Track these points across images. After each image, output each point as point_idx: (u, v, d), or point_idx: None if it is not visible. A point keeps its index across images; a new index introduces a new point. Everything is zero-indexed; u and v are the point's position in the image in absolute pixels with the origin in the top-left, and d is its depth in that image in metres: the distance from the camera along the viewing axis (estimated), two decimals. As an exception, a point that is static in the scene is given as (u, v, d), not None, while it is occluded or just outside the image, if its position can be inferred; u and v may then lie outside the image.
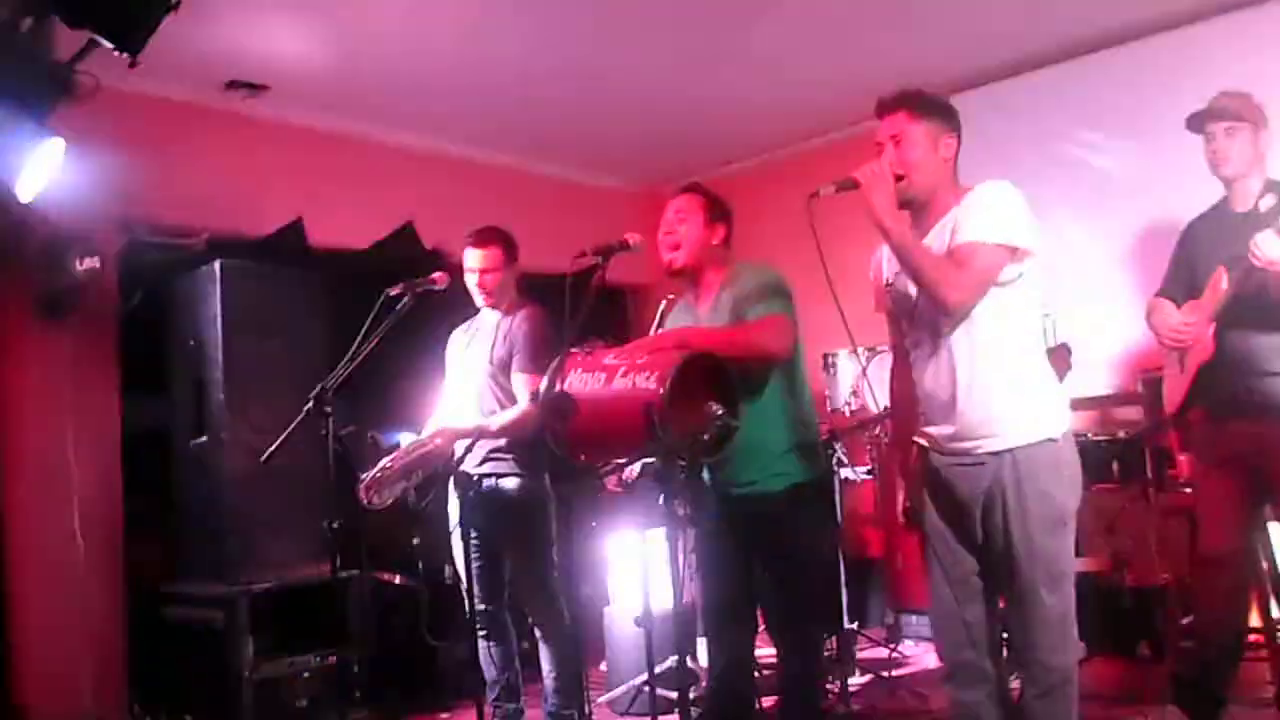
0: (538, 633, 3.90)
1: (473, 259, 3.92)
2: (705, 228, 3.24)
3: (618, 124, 5.92)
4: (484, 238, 3.93)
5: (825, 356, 5.22)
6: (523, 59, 4.98)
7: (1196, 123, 3.43)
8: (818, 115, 6.01)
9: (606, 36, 4.82)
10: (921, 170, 2.70)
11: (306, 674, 4.42)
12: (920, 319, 2.76)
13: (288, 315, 4.68)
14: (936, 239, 2.67)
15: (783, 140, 6.48)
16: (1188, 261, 3.51)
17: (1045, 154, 5.29)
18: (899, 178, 2.66)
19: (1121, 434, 4.77)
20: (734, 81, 5.48)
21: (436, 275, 3.67)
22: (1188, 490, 4.00)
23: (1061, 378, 3.38)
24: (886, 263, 2.88)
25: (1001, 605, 2.76)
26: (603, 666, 4.88)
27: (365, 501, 3.61)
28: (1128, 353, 4.94)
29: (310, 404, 3.29)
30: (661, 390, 2.57)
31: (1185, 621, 3.84)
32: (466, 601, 3.70)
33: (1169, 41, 5.01)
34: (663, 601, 3.28)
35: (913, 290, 2.73)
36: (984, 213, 2.59)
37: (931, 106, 2.76)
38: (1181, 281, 3.51)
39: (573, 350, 2.83)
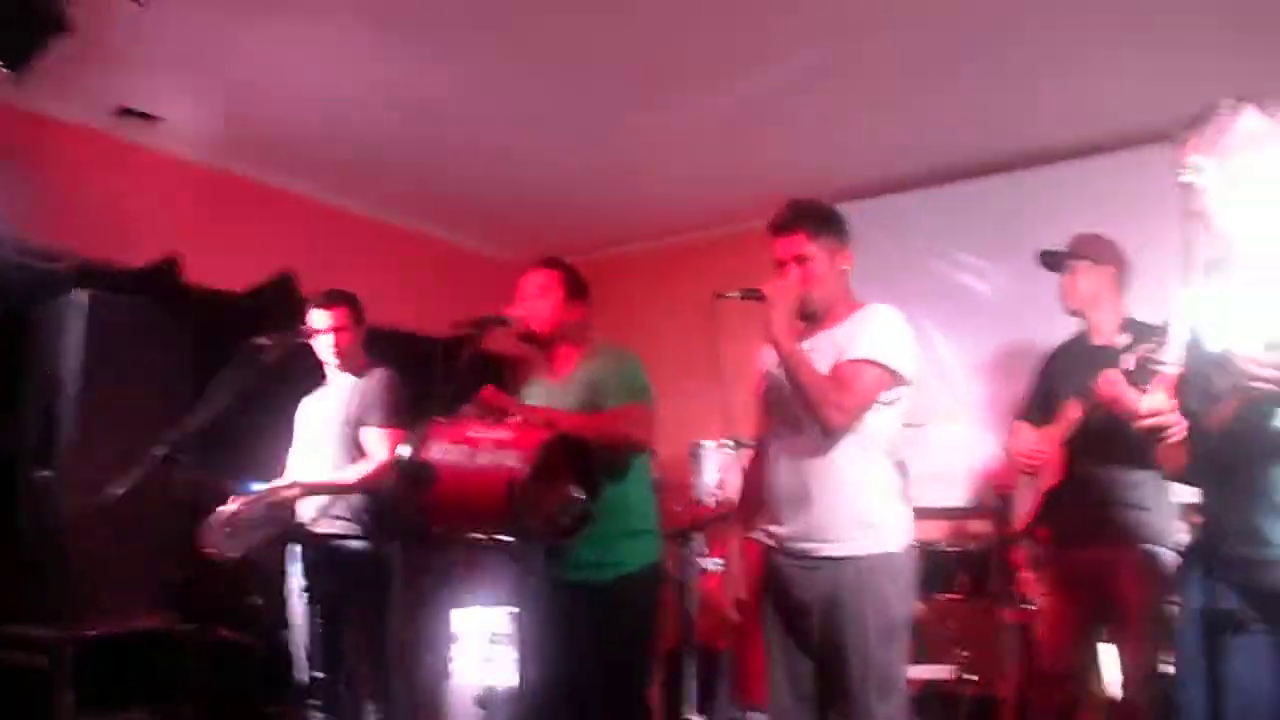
0: (369, 705, 3.73)
1: (320, 320, 3.88)
2: (563, 305, 3.28)
3: (505, 192, 5.90)
4: (331, 299, 3.91)
5: (691, 446, 5.25)
6: (415, 122, 4.97)
7: (1051, 260, 3.61)
8: (702, 209, 6.10)
9: (499, 105, 4.82)
10: (823, 286, 2.80)
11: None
12: (786, 413, 2.80)
13: (153, 353, 4.50)
14: (824, 346, 2.75)
15: (663, 230, 6.55)
16: (1046, 388, 3.65)
17: (920, 270, 5.47)
18: (804, 294, 2.75)
19: (972, 546, 4.89)
20: (621, 166, 5.54)
21: (307, 329, 3.61)
22: (1030, 607, 4.12)
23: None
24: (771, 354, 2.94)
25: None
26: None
27: (209, 550, 3.48)
28: (984, 468, 5.08)
29: (163, 449, 3.19)
30: (525, 468, 2.57)
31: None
32: (299, 669, 3.58)
33: (1048, 175, 5.22)
34: (506, 681, 3.24)
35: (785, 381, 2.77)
36: (871, 337, 2.69)
37: (828, 223, 2.86)
38: (1039, 407, 3.65)
39: (438, 418, 2.80)
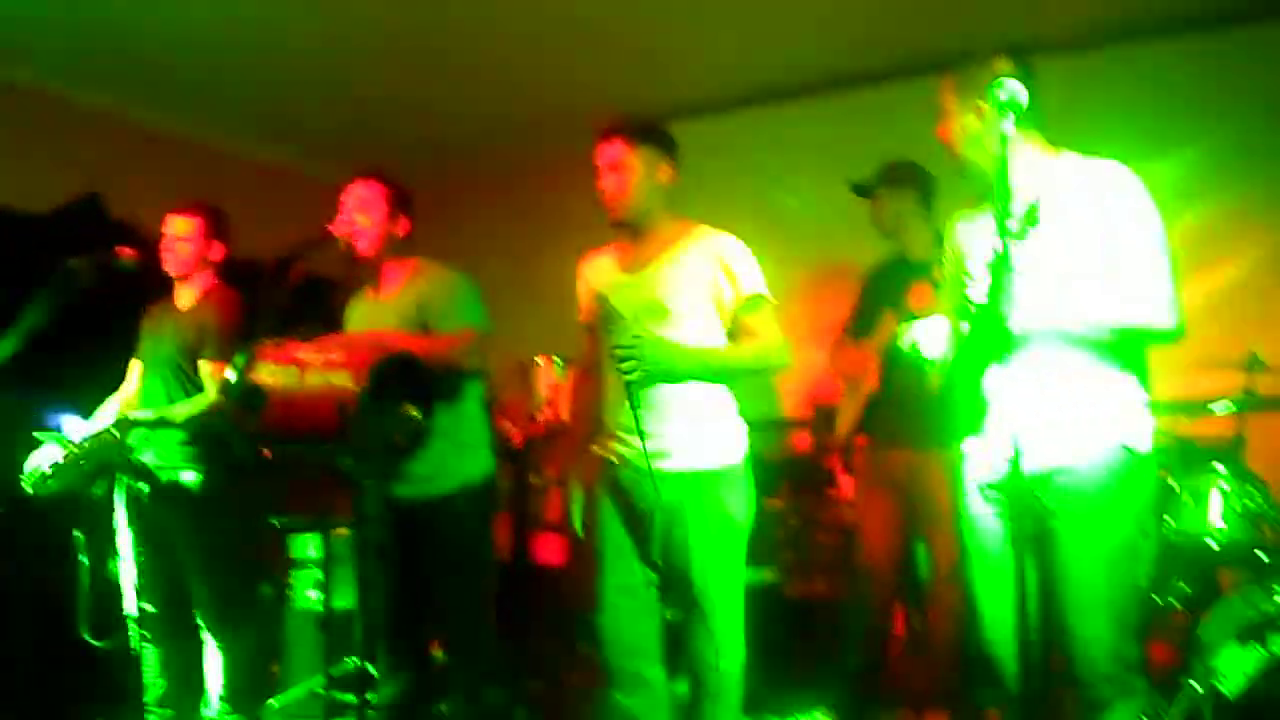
0: (207, 635, 3.64)
1: (171, 226, 3.71)
2: (387, 219, 3.21)
3: (329, 105, 5.72)
4: (186, 206, 3.73)
5: (523, 364, 5.25)
6: (239, 26, 4.73)
7: (859, 189, 3.76)
8: (529, 125, 6.01)
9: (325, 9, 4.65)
10: (638, 195, 2.84)
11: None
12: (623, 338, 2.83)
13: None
14: (670, 274, 2.81)
15: (492, 145, 6.40)
16: (866, 305, 3.83)
17: (742, 190, 5.57)
18: (613, 204, 2.84)
19: (793, 455, 5.09)
20: (451, 78, 5.41)
21: (124, 250, 3.44)
22: (848, 509, 4.33)
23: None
24: (595, 273, 2.99)
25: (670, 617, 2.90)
26: (274, 668, 4.69)
27: (32, 490, 3.33)
28: (802, 383, 5.26)
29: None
30: (357, 388, 2.54)
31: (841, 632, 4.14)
32: (129, 603, 3.47)
33: (872, 98, 5.36)
34: (346, 603, 3.23)
35: (623, 308, 2.83)
36: (753, 272, 2.82)
37: (649, 134, 2.90)
38: (860, 323, 3.82)
39: (265, 341, 2.73)
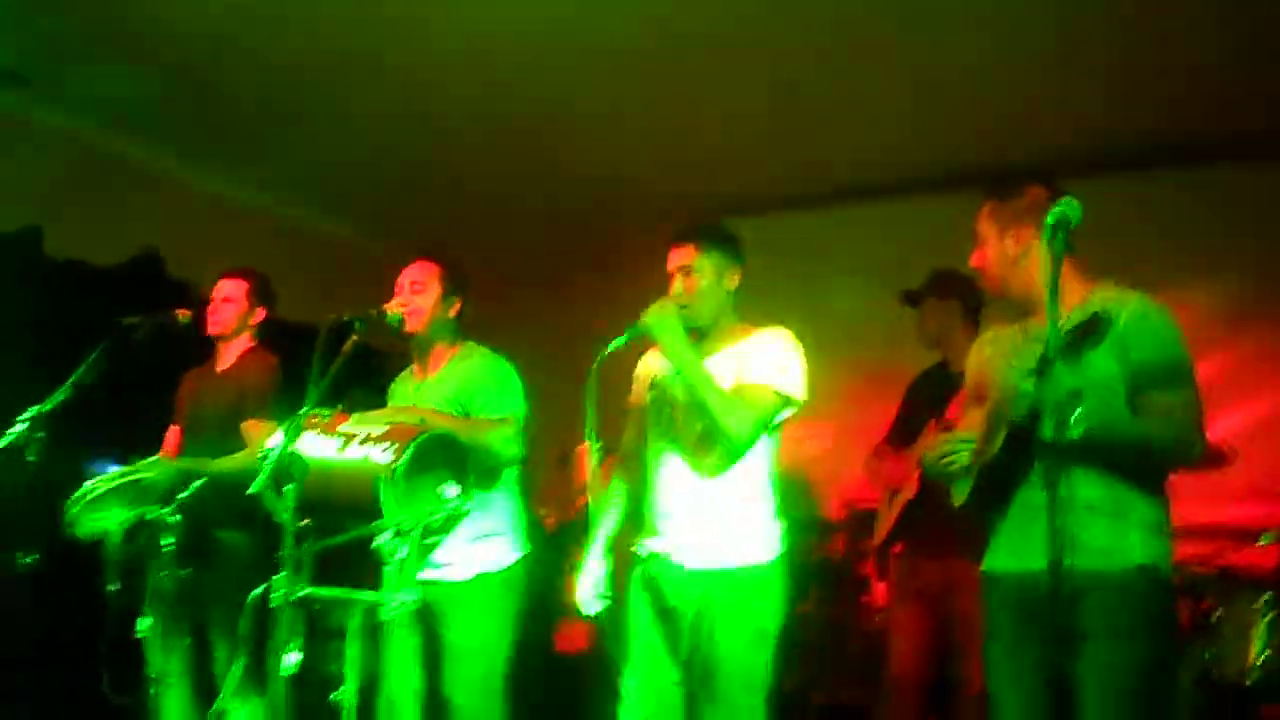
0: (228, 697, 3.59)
1: (218, 288, 3.79)
2: (440, 301, 3.24)
3: (385, 179, 5.76)
4: (234, 270, 3.81)
5: (564, 452, 5.26)
6: (312, 97, 4.81)
7: (907, 298, 3.76)
8: (598, 211, 6.02)
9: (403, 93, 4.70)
10: (707, 301, 2.89)
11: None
12: (670, 425, 2.89)
13: (9, 323, 4.32)
14: (719, 367, 2.82)
15: (555, 230, 6.41)
16: (908, 413, 3.82)
17: (787, 291, 5.56)
18: (684, 307, 2.83)
19: (828, 558, 5.04)
20: (517, 169, 5.43)
21: (179, 310, 3.51)
22: (880, 617, 4.27)
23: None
24: (654, 363, 3.03)
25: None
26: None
27: (72, 529, 3.33)
28: (839, 484, 5.21)
29: (20, 427, 3.06)
30: (396, 462, 2.55)
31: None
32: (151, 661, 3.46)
33: (922, 205, 5.37)
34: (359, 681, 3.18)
35: (676, 399, 2.86)
36: (772, 360, 2.80)
37: (720, 240, 2.96)
38: (901, 430, 3.81)
39: (312, 411, 2.75)
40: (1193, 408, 2.29)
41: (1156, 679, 2.29)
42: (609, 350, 2.80)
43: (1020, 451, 2.20)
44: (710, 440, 2.78)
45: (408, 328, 3.19)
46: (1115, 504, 2.28)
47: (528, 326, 6.00)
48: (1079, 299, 2.32)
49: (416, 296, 3.21)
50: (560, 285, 6.50)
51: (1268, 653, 3.39)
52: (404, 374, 3.42)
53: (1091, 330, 2.04)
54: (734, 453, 2.76)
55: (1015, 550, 2.34)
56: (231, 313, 3.76)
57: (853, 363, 5.30)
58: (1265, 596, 3.43)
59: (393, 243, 6.21)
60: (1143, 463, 2.30)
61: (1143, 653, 2.26)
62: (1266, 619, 3.41)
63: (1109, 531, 2.26)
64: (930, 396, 3.65)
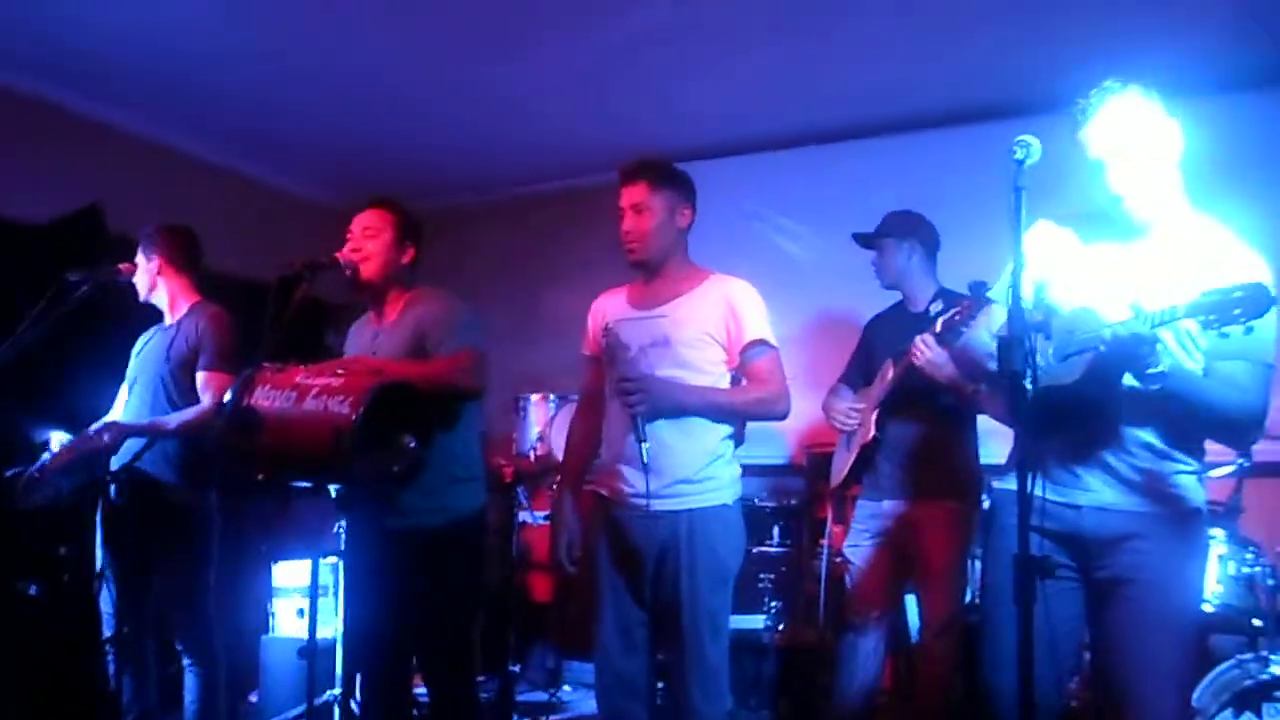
0: (184, 660, 3.59)
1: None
2: (393, 246, 3.20)
3: (340, 134, 5.73)
4: (164, 231, 3.77)
5: (516, 399, 5.24)
6: (247, 54, 4.75)
7: (862, 240, 3.78)
8: (532, 164, 6.09)
9: (341, 44, 4.66)
10: (658, 237, 2.93)
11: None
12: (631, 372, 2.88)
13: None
14: (680, 315, 2.90)
15: (492, 182, 6.48)
16: (865, 354, 3.84)
17: (744, 233, 5.60)
18: (632, 246, 2.92)
19: (787, 502, 5.09)
20: (470, 114, 5.43)
21: (124, 265, 3.44)
22: (839, 559, 4.31)
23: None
24: (609, 306, 3.06)
25: (660, 657, 2.90)
26: (253, 698, 4.64)
27: (17, 502, 3.29)
28: (798, 429, 5.26)
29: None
30: (354, 415, 2.53)
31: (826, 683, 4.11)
32: (105, 621, 3.44)
33: (873, 146, 5.44)
34: (328, 633, 3.19)
35: (631, 343, 2.89)
36: (760, 318, 2.91)
37: (671, 179, 2.98)
38: (858, 372, 3.83)
39: (264, 364, 2.72)
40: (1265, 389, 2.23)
41: (1190, 628, 2.34)
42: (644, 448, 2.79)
43: (1098, 382, 2.17)
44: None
45: (362, 274, 3.15)
46: (1170, 449, 2.29)
47: (478, 277, 6.01)
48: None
49: (369, 242, 3.16)
50: (509, 235, 6.49)
51: (1219, 587, 3.47)
52: (359, 323, 3.38)
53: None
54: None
55: (1061, 480, 2.33)
56: (172, 276, 3.73)
57: (806, 306, 5.34)
58: (1215, 528, 3.50)
59: (339, 192, 6.23)
60: (1205, 420, 2.26)
61: (1183, 599, 2.30)
62: (1216, 550, 3.49)
63: (1163, 475, 2.29)
64: (888, 337, 3.67)
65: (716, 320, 2.89)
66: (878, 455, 3.63)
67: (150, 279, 3.71)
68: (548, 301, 3.08)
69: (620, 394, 2.82)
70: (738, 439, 2.98)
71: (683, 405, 2.82)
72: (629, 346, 2.91)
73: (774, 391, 2.88)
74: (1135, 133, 2.29)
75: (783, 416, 2.93)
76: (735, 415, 2.92)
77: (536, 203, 6.44)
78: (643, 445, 2.75)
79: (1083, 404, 2.23)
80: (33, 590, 4.31)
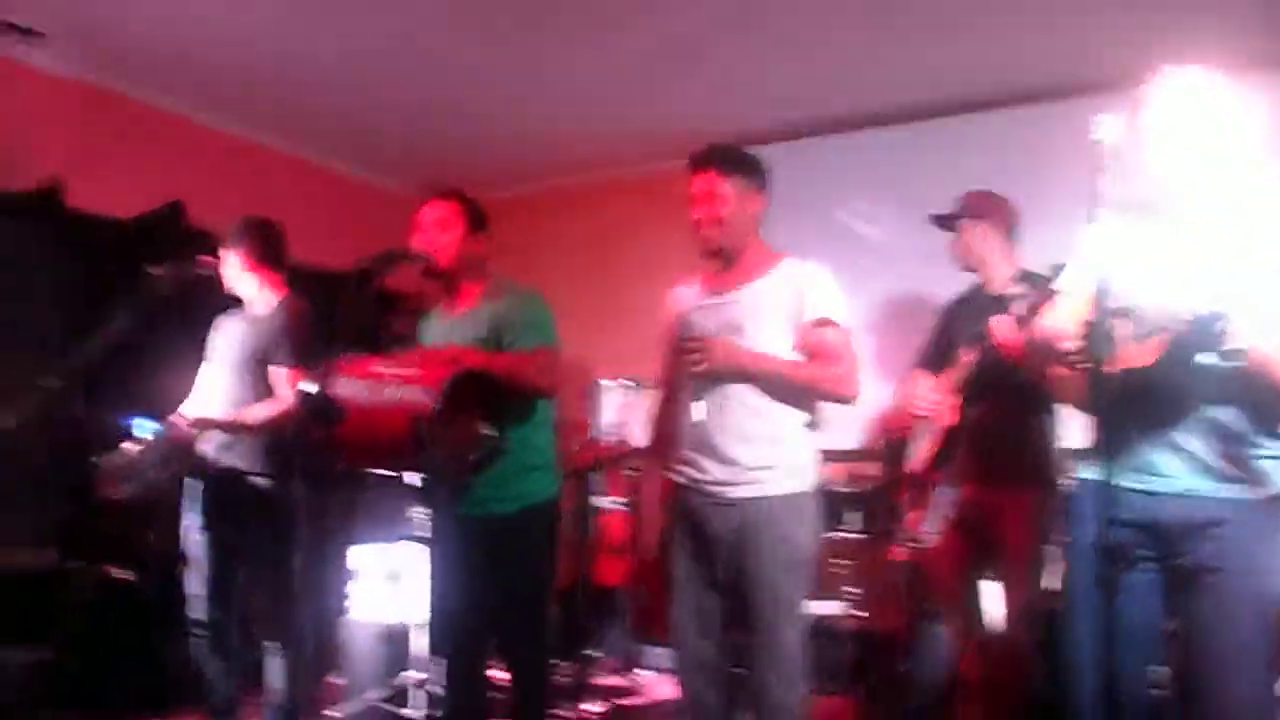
0: (267, 645, 3.68)
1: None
2: (466, 236, 3.25)
3: (411, 122, 5.80)
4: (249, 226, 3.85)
5: (593, 384, 5.29)
6: (319, 44, 4.83)
7: (941, 221, 3.73)
8: (601, 150, 6.10)
9: (410, 35, 4.72)
10: (730, 225, 2.92)
11: (12, 668, 4.05)
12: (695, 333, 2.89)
13: (35, 281, 4.36)
14: (748, 300, 2.89)
15: (562, 169, 6.50)
16: (943, 338, 3.79)
17: (812, 216, 5.55)
18: (705, 229, 2.89)
19: (864, 487, 5.06)
20: (525, 105, 5.47)
21: (206, 259, 3.53)
22: (917, 545, 4.28)
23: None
24: (685, 295, 3.07)
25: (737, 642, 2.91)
26: (337, 679, 4.73)
27: (105, 491, 3.40)
28: (874, 414, 5.21)
29: (51, 381, 3.10)
30: (432, 403, 2.58)
31: (904, 669, 4.10)
32: (195, 608, 3.56)
33: (949, 127, 5.35)
34: (406, 617, 3.25)
35: (704, 329, 2.89)
36: (832, 299, 2.88)
37: (741, 164, 2.97)
38: (936, 357, 3.79)
39: (343, 354, 2.77)
40: None
41: (1275, 616, 2.29)
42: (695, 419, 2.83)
43: (1176, 363, 2.13)
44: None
45: (438, 265, 3.20)
46: (1250, 432, 2.26)
47: (554, 262, 6.04)
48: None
49: (442, 233, 3.21)
50: (585, 222, 6.51)
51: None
52: (433, 313, 3.43)
53: None
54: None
55: (1141, 466, 2.29)
56: (259, 269, 3.80)
57: (883, 290, 5.29)
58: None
59: (407, 183, 6.30)
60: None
61: (1267, 586, 2.27)
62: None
63: (1244, 459, 2.26)
64: (966, 320, 3.62)
65: (789, 303, 2.87)
66: (956, 441, 3.59)
67: (237, 272, 3.80)
68: (624, 287, 3.09)
69: (681, 354, 2.83)
70: (815, 424, 2.97)
71: (744, 368, 2.81)
72: (708, 335, 2.90)
73: (843, 369, 2.85)
74: (1203, 113, 2.26)
75: (851, 398, 2.88)
76: (799, 388, 2.88)
77: (611, 189, 6.43)
78: (695, 406, 2.79)
79: (1161, 387, 2.19)
80: (124, 575, 4.46)
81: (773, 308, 2.87)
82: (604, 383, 5.34)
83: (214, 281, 3.78)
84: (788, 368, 2.85)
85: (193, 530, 3.64)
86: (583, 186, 6.61)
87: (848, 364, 2.86)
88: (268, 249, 3.83)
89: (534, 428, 3.20)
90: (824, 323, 2.86)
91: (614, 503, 5.25)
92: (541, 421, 3.25)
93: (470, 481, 2.95)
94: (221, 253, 3.78)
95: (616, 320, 5.67)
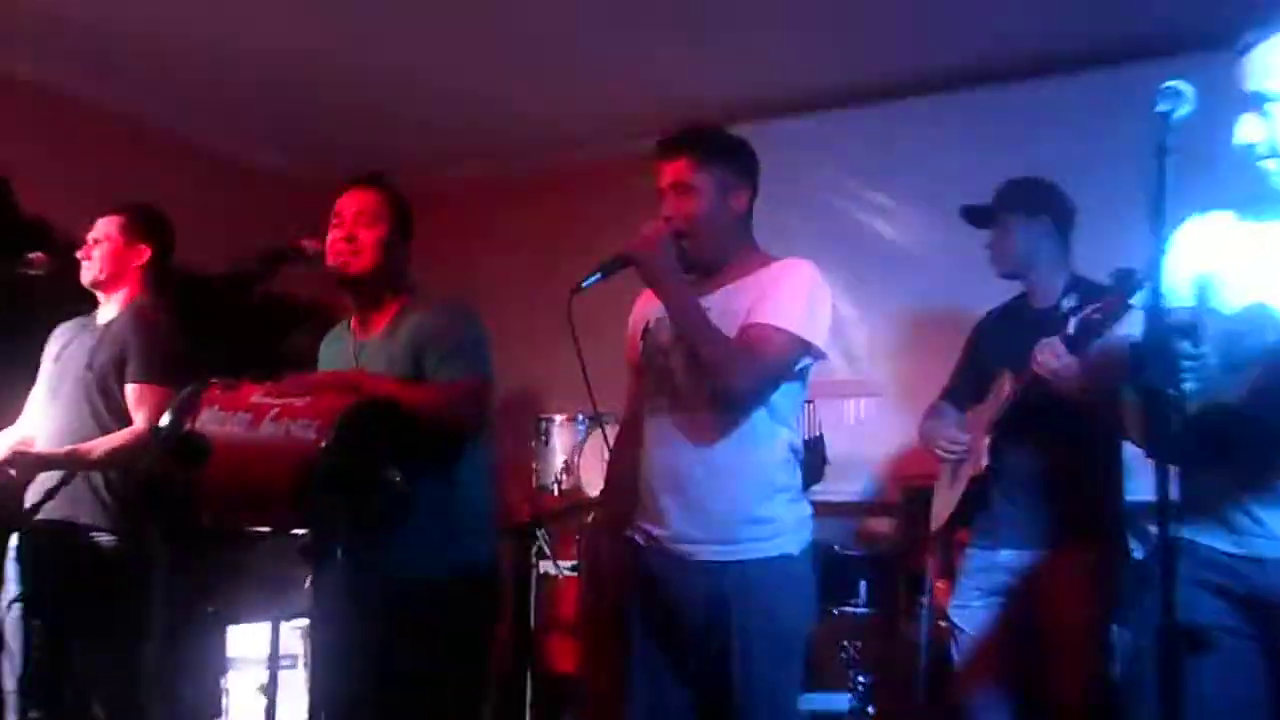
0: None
1: (95, 228, 3.81)
2: (393, 236, 3.20)
3: (307, 94, 5.76)
4: (116, 205, 3.84)
5: (537, 421, 5.23)
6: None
7: (977, 217, 3.71)
8: (551, 129, 6.09)
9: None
10: (708, 227, 2.85)
11: None
12: (669, 383, 2.86)
13: None
14: (724, 306, 2.81)
15: (504, 152, 6.47)
16: (975, 362, 3.77)
17: (821, 208, 5.54)
18: (680, 235, 2.80)
19: (876, 549, 5.03)
20: (469, 64, 5.42)
21: (34, 255, 3.50)
22: (944, 623, 4.26)
23: (813, 481, 3.53)
24: (652, 305, 2.98)
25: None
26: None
27: None
28: (889, 456, 5.21)
29: None
30: (322, 441, 2.53)
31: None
32: (6, 706, 3.48)
33: (984, 99, 5.32)
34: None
35: (668, 343, 2.86)
36: (788, 297, 2.76)
37: (722, 151, 2.92)
38: (966, 384, 3.76)
39: (212, 380, 2.72)
40: None
41: None
42: (583, 286, 2.78)
43: (1276, 398, 2.11)
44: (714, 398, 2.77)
45: (351, 269, 3.14)
46: None
47: (484, 274, 6.00)
48: None
49: (364, 230, 3.15)
50: (523, 221, 6.47)
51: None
52: (335, 332, 3.40)
53: None
54: (731, 407, 2.74)
55: (1236, 525, 2.28)
56: (105, 253, 3.78)
57: (901, 301, 5.30)
58: None
59: (302, 171, 6.26)
60: None
61: None
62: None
63: None
64: (1006, 340, 3.60)
65: (754, 308, 2.78)
66: (993, 491, 3.56)
67: (116, 261, 3.77)
68: (579, 300, 3.00)
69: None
70: (809, 472, 2.94)
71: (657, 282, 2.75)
72: (667, 348, 2.87)
73: (737, 352, 2.71)
74: None
75: (728, 388, 2.72)
76: (690, 325, 2.75)
77: (559, 177, 6.41)
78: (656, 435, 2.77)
79: (1258, 427, 2.16)
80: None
81: (741, 317, 2.78)
82: (553, 419, 5.28)
83: (55, 280, 3.73)
84: (696, 312, 2.75)
85: (7, 604, 3.57)
86: (524, 174, 6.56)
87: (750, 355, 2.71)
88: (144, 239, 3.82)
89: (465, 476, 3.16)
90: (765, 324, 2.75)
91: (566, 569, 5.18)
92: (473, 470, 3.20)
93: (373, 542, 2.90)
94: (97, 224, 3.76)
95: (567, 341, 5.61)
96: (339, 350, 3.32)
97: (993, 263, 3.72)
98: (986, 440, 3.53)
